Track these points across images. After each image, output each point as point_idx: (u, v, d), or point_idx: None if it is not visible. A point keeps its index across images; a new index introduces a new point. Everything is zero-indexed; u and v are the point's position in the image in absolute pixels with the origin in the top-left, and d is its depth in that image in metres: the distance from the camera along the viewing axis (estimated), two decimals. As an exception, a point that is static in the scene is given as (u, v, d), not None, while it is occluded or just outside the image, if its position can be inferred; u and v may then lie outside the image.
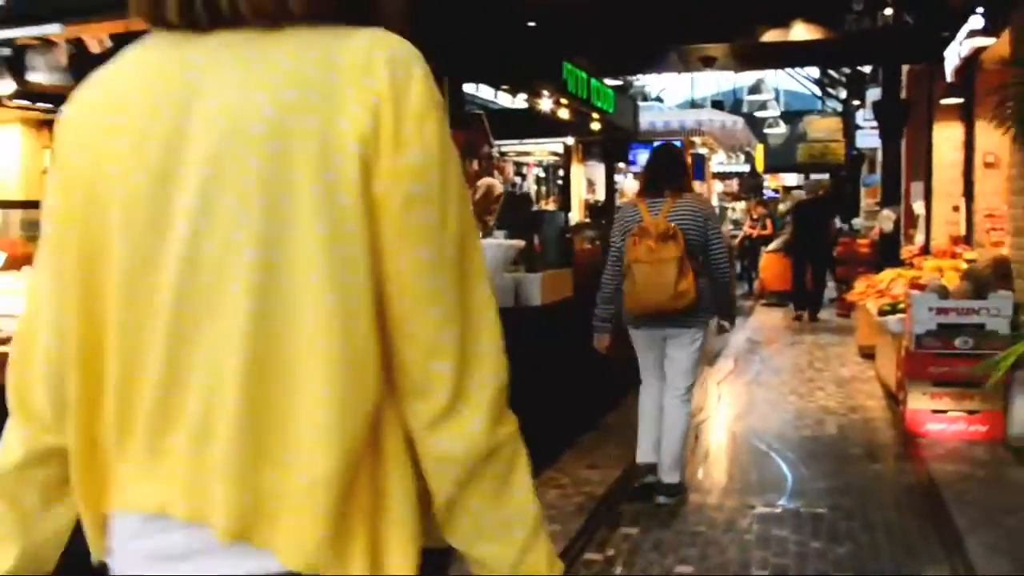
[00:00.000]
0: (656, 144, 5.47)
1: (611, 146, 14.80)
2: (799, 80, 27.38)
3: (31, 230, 7.77)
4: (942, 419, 6.57)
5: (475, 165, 9.67)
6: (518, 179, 18.27)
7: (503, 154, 16.64)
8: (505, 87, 10.09)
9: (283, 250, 1.04)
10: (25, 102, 7.44)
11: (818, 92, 27.23)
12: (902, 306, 7.56)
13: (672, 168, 5.00)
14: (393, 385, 1.10)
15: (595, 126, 12.21)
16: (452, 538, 1.15)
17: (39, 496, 1.23)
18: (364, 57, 1.07)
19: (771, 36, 10.24)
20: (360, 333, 1.06)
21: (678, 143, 17.65)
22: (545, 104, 10.58)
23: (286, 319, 1.05)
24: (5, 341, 3.79)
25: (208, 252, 1.06)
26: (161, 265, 1.09)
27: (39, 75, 5.88)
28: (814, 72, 26.74)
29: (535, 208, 10.26)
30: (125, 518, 1.14)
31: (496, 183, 8.98)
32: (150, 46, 1.15)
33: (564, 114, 10.89)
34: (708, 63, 11.37)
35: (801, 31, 10.17)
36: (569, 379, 6.06)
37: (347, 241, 1.05)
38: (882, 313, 7.79)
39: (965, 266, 10.56)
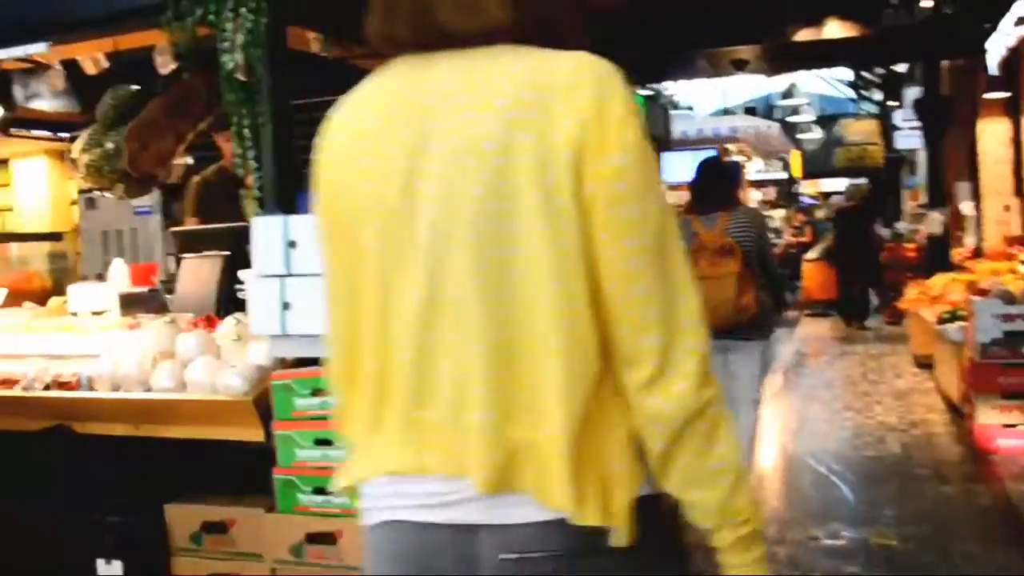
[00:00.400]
0: (703, 159, 5.25)
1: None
2: (832, 84, 26.88)
3: (57, 262, 7.58)
4: (1014, 433, 6.10)
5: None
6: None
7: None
8: None
9: (512, 247, 1.23)
10: (46, 132, 7.22)
11: (852, 95, 26.65)
12: (962, 313, 7.09)
13: (722, 182, 4.96)
14: (608, 356, 1.26)
15: None
16: (665, 486, 1.30)
17: None
18: (572, 78, 1.24)
19: (803, 36, 9.81)
20: (579, 314, 1.23)
21: (713, 151, 17.35)
22: None
23: (518, 306, 1.24)
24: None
25: (448, 255, 1.25)
26: (410, 268, 1.28)
27: (43, 102, 5.62)
28: (848, 74, 26.20)
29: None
30: (377, 477, 1.35)
31: None
32: (389, 74, 1.36)
33: None
34: (739, 66, 10.96)
35: (835, 29, 9.74)
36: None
37: (564, 237, 1.22)
38: (941, 321, 7.33)
39: None
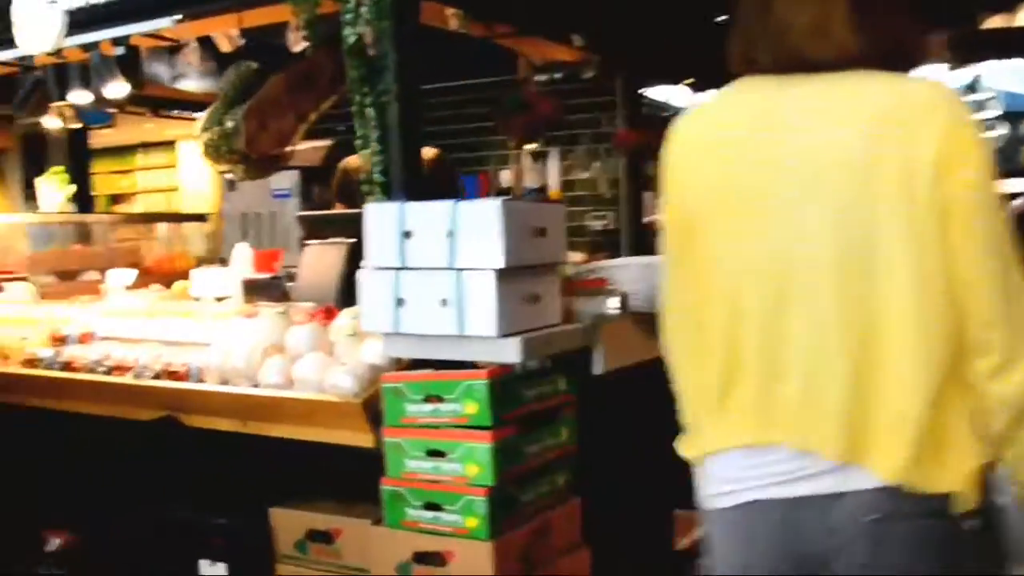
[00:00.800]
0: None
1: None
2: (1021, 78, 25.16)
3: (210, 243, 7.60)
4: None
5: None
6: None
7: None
8: (687, 82, 9.16)
9: (873, 248, 1.44)
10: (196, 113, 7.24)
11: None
12: None
13: None
14: (956, 345, 1.46)
15: None
16: (1002, 463, 1.49)
17: None
18: (930, 100, 1.46)
19: (995, 23, 9.01)
20: (934, 309, 1.45)
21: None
22: None
23: (877, 299, 1.45)
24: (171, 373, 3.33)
25: (800, 252, 1.48)
26: (760, 265, 1.51)
27: (189, 82, 5.57)
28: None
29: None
30: (728, 454, 1.57)
31: None
32: (741, 90, 1.59)
33: None
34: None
35: (1034, 12, 8.89)
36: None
37: (921, 240, 1.44)
38: None
39: None
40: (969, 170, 1.44)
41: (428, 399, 2.74)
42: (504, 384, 2.72)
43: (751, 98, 1.58)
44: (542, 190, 7.18)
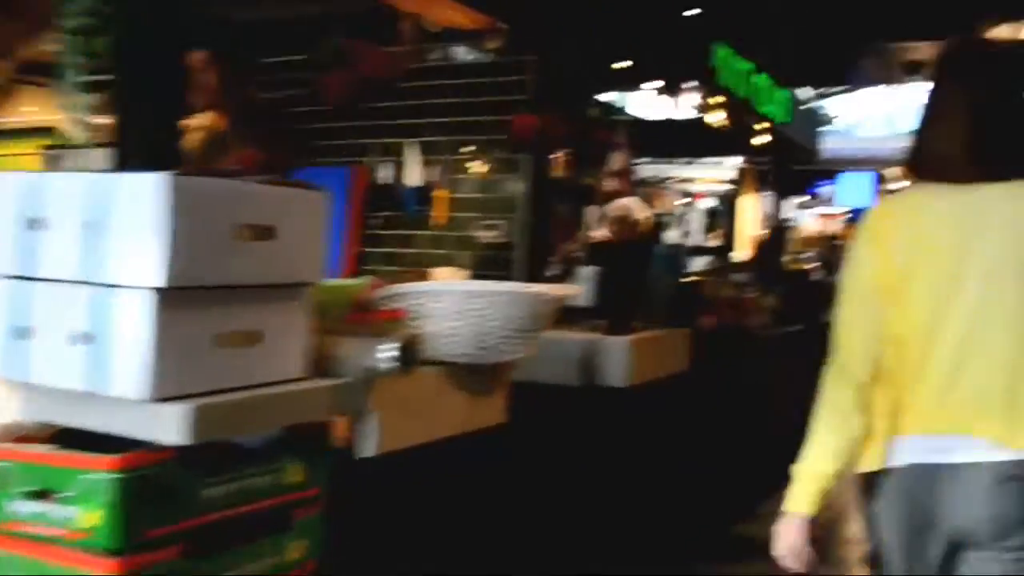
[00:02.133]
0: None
1: (782, 169, 12.51)
2: None
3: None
4: None
5: (611, 183, 7.81)
6: (684, 210, 16.25)
7: (664, 180, 14.70)
8: (642, 84, 7.99)
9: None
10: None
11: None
12: None
13: None
14: None
15: (761, 139, 9.86)
16: None
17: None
18: None
19: (999, 33, 8.00)
20: None
21: (872, 175, 15.39)
22: (684, 104, 8.43)
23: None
24: None
25: (987, 300, 2.03)
26: (953, 309, 2.04)
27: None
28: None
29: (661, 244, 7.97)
30: (913, 437, 2.07)
31: (636, 207, 6.97)
32: (922, 191, 2.16)
33: (715, 118, 8.66)
34: (913, 70, 9.20)
35: (1038, 28, 7.90)
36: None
37: None
38: None
39: None
40: None
41: (35, 494, 1.66)
42: (154, 479, 1.64)
43: (935, 195, 2.13)
44: (427, 190, 5.99)
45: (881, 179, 14.86)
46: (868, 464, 2.13)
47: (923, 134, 2.19)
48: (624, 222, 6.63)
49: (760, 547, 2.32)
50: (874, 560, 2.20)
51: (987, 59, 2.17)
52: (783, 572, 2.18)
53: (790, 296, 7.15)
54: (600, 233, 6.65)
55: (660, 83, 7.95)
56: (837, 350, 2.18)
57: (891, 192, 15.46)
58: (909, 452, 2.07)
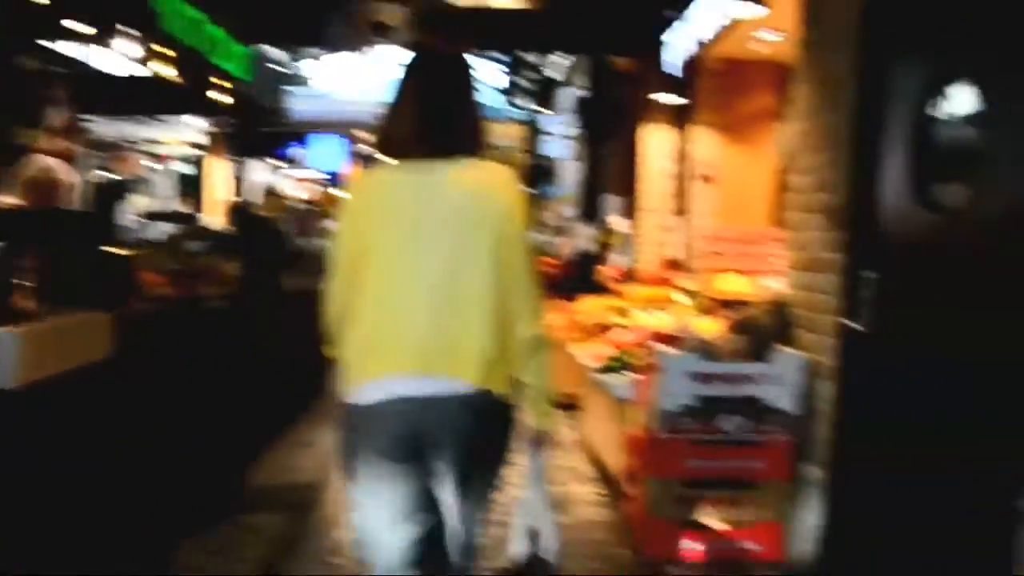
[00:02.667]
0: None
1: (249, 131, 11.82)
2: (486, 91, 25.69)
3: None
4: (701, 535, 4.47)
5: (53, 142, 6.64)
6: (153, 174, 15.01)
7: (129, 141, 13.40)
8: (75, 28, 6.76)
9: (473, 256, 2.57)
10: None
11: (504, 103, 25.62)
12: (632, 361, 5.44)
13: None
14: (508, 312, 2.61)
15: (223, 98, 9.07)
16: (523, 377, 2.66)
17: None
18: (503, 179, 2.65)
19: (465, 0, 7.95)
20: (498, 288, 2.57)
21: (343, 138, 15.32)
22: (123, 53, 7.23)
23: (472, 284, 2.56)
24: None
25: (439, 256, 2.56)
26: (416, 266, 2.56)
27: None
28: (503, 81, 25.13)
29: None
30: (386, 377, 2.55)
31: (60, 169, 5.79)
32: (390, 168, 2.67)
33: (165, 71, 7.67)
34: (381, 31, 8.95)
35: (499, -7, 7.97)
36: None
37: (494, 250, 2.57)
38: (604, 369, 5.64)
39: (685, 298, 8.85)
40: (519, 218, 2.63)
41: None
42: None
43: (397, 173, 2.68)
44: None
45: (353, 141, 14.73)
46: (350, 399, 2.63)
47: (386, 120, 2.72)
48: (39, 185, 5.50)
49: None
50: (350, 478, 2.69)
51: (434, 59, 2.75)
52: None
53: (253, 262, 6.56)
54: (9, 198, 5.45)
55: (93, 28, 6.83)
56: (326, 304, 2.72)
57: (363, 155, 15.48)
58: (378, 390, 2.57)
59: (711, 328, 5.86)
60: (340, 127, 14.57)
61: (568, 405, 8.02)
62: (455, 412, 2.54)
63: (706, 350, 4.47)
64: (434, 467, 2.61)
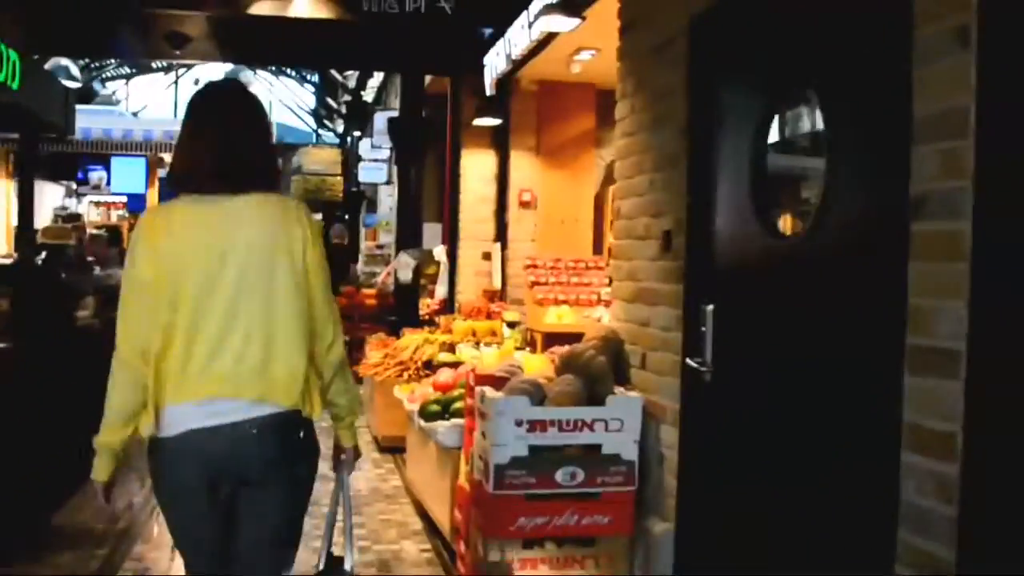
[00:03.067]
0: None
1: (33, 149, 10.81)
2: (296, 113, 24.92)
3: None
4: (537, 601, 4.04)
5: None
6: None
7: None
8: None
9: (275, 286, 2.61)
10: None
11: (314, 126, 24.91)
12: (459, 404, 4.97)
13: None
14: (312, 337, 2.71)
15: None
16: (330, 397, 2.82)
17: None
18: (295, 211, 2.70)
19: (264, 8, 7.35)
20: (304, 316, 2.66)
21: (143, 159, 14.34)
22: None
23: (276, 311, 2.61)
24: None
25: (242, 287, 2.58)
26: (215, 297, 2.57)
27: None
28: (311, 101, 24.45)
29: None
30: (186, 404, 2.56)
31: None
32: (186, 201, 2.68)
33: None
34: (178, 42, 8.24)
35: (305, 5, 7.40)
36: None
37: (297, 281, 2.64)
38: (428, 416, 5.15)
39: (509, 331, 8.45)
40: (316, 249, 2.71)
41: None
42: None
43: (191, 206, 2.67)
44: None
45: (153, 163, 13.81)
46: (149, 431, 2.60)
47: (181, 154, 2.74)
48: None
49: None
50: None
51: (232, 96, 2.77)
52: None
53: (29, 298, 5.79)
54: None
55: None
56: (119, 337, 2.64)
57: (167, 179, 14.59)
58: (186, 418, 2.57)
59: (540, 366, 5.47)
60: (145, 149, 13.60)
61: (392, 448, 7.52)
62: (267, 433, 2.60)
63: (536, 393, 4.05)
64: (243, 488, 2.64)
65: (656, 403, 4.08)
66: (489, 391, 4.12)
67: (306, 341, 2.65)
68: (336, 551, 3.04)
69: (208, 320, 2.55)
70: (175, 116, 14.49)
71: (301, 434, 2.67)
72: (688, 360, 3.72)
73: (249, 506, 2.65)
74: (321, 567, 3.01)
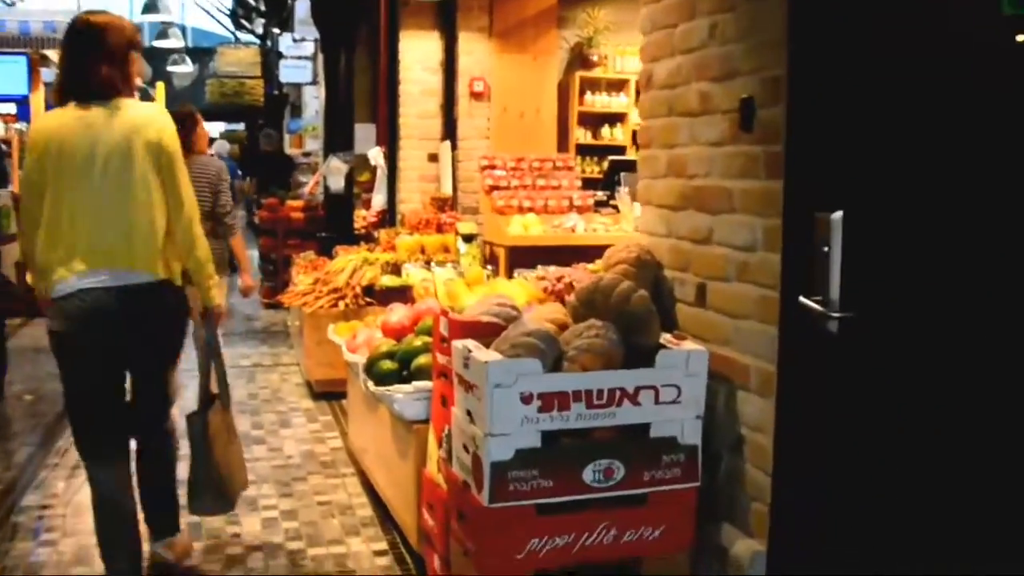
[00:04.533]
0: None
1: None
2: (212, 16, 22.76)
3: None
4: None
5: None
6: None
7: None
8: None
9: (132, 175, 3.17)
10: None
11: (232, 28, 22.81)
12: (423, 360, 3.56)
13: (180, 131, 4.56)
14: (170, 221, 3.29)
15: None
16: (187, 266, 3.33)
17: None
18: (152, 114, 3.27)
19: None
20: (159, 202, 3.23)
21: (23, 58, 12.47)
22: None
23: (136, 196, 3.17)
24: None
25: (107, 177, 3.14)
26: (87, 188, 3.14)
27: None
28: (227, 2, 22.35)
29: None
30: (72, 277, 3.13)
31: None
32: (59, 112, 3.23)
33: None
34: None
35: None
36: None
37: (150, 174, 3.21)
38: (379, 376, 3.71)
39: (465, 246, 7.01)
40: (169, 147, 3.23)
41: None
42: None
43: (69, 113, 3.22)
44: None
45: (36, 62, 11.98)
46: (50, 297, 3.20)
47: (55, 78, 3.43)
48: None
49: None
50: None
51: (73, 31, 3.34)
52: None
53: None
54: None
55: None
56: (23, 224, 3.32)
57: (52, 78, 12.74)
58: (72, 285, 3.14)
59: (521, 294, 4.09)
60: (23, 44, 11.72)
61: (330, 395, 6.15)
62: (139, 297, 3.18)
63: (550, 350, 2.66)
64: (123, 343, 3.22)
65: (729, 359, 2.73)
66: (476, 349, 2.72)
67: (162, 220, 3.24)
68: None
69: (84, 209, 3.16)
70: (59, 6, 12.61)
71: (167, 295, 3.27)
72: (801, 299, 2.34)
73: (127, 358, 3.29)
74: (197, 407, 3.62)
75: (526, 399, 2.57)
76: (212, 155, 5.88)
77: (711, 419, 2.76)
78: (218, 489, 3.54)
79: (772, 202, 2.52)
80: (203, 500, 3.54)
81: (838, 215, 2.25)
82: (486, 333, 2.88)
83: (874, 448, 2.27)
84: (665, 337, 2.85)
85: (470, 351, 2.70)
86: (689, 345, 2.78)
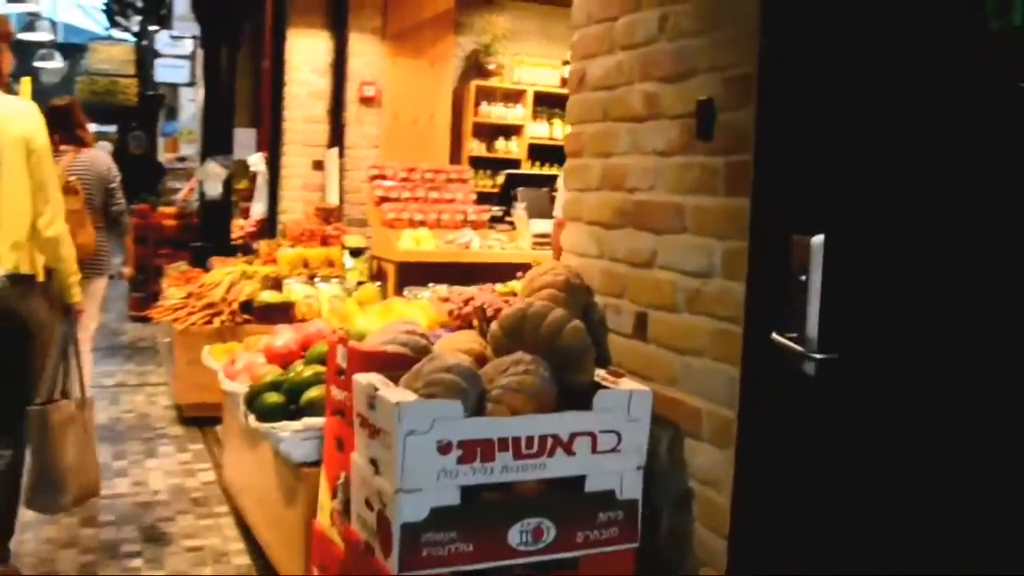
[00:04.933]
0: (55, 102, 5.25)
1: None
2: (86, 12, 21.68)
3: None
4: None
5: None
6: None
7: None
8: None
9: (9, 168, 3.27)
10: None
11: (107, 24, 21.75)
12: (315, 393, 3.11)
13: (67, 123, 5.14)
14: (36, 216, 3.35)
15: None
16: (51, 264, 3.40)
17: None
18: (24, 108, 3.34)
19: None
20: (26, 197, 3.29)
21: None
22: None
23: (7, 190, 3.28)
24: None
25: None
26: None
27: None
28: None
29: None
30: None
31: None
32: None
33: None
34: None
35: None
36: None
37: (23, 165, 3.29)
38: (263, 410, 3.24)
39: (352, 261, 6.54)
40: (40, 140, 3.30)
41: None
42: None
43: None
44: None
45: None
46: None
47: None
48: None
49: None
50: None
51: None
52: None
53: None
54: None
55: None
56: None
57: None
58: None
59: (422, 318, 3.69)
60: None
61: (200, 420, 5.61)
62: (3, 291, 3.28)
63: (472, 390, 2.26)
64: None
65: (676, 401, 2.38)
66: (384, 386, 2.30)
67: (29, 215, 3.32)
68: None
69: None
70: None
71: (30, 290, 3.34)
72: (775, 335, 2.00)
73: None
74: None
75: (444, 448, 2.16)
76: (99, 151, 5.65)
77: (651, 469, 2.40)
78: (55, 484, 3.35)
79: (734, 221, 2.17)
80: (36, 493, 3.37)
81: (819, 239, 1.92)
82: (393, 366, 2.46)
83: (855, 513, 1.94)
84: (600, 374, 2.48)
85: (376, 389, 2.27)
86: (629, 384, 2.41)
